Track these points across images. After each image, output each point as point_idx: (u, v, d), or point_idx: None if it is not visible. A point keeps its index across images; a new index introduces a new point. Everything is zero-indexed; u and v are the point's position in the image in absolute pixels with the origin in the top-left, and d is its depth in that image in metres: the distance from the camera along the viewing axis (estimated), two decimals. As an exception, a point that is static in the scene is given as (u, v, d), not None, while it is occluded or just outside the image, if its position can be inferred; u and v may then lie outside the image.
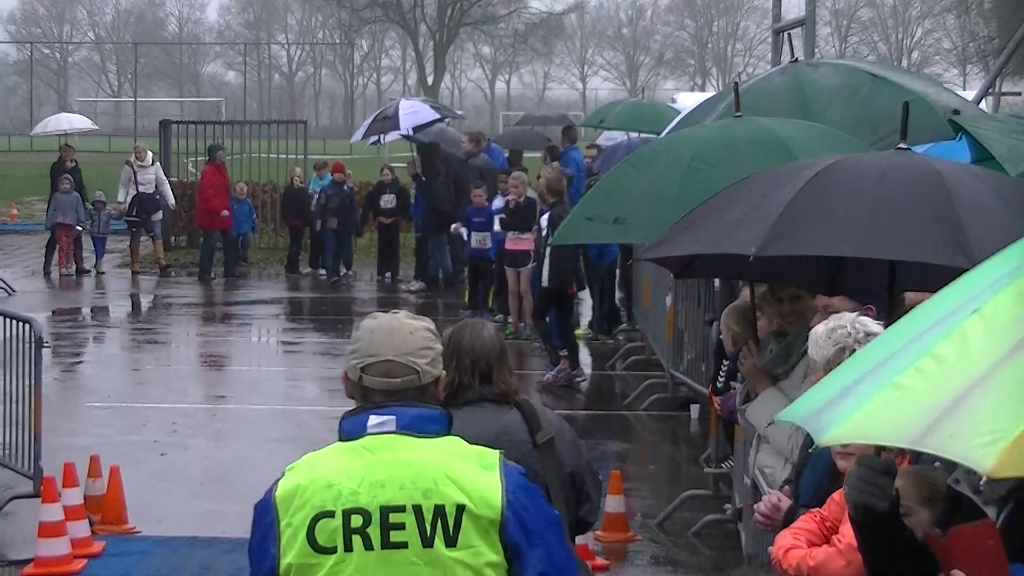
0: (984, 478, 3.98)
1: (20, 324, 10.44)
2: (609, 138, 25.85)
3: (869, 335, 5.20)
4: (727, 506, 9.94)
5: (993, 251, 4.89)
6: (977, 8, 45.94)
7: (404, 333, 3.65)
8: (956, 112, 9.00)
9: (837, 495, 5.08)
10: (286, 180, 26.47)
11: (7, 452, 10.47)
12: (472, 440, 4.84)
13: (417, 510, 3.43)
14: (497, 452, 3.59)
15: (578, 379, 15.31)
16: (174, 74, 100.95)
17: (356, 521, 3.41)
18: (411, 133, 23.69)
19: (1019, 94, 32.51)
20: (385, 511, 3.43)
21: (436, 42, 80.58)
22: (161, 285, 23.73)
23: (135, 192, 24.49)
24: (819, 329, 5.41)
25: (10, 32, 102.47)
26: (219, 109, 70.29)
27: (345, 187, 23.78)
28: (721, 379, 8.87)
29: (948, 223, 4.84)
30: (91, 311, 21.28)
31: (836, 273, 6.19)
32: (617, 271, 18.21)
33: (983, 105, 15.33)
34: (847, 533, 4.86)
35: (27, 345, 10.27)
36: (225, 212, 23.87)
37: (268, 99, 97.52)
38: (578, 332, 17.80)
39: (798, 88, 9.74)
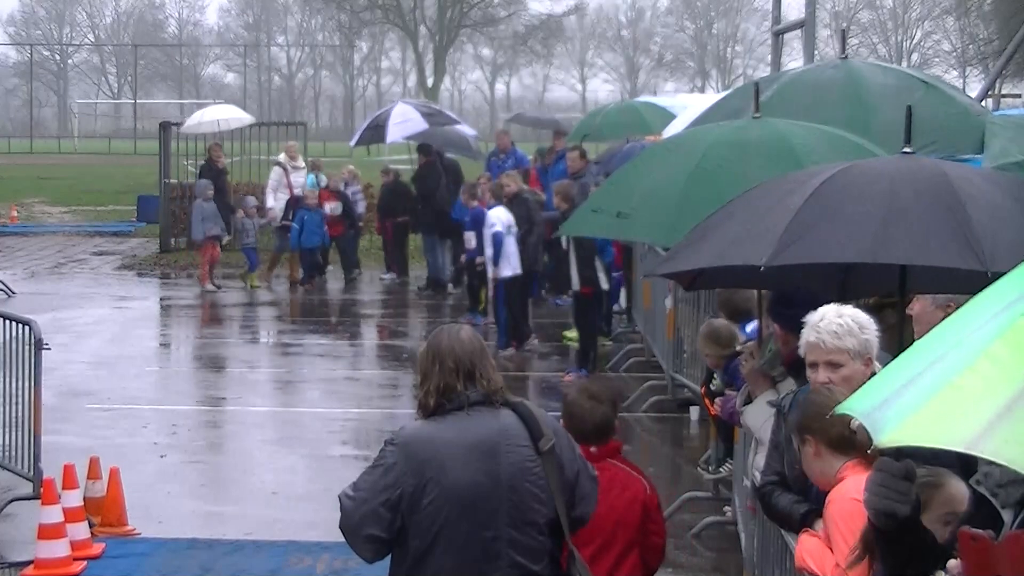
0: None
1: (20, 326, 10.43)
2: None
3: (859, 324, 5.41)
4: (727, 508, 9.94)
5: (1006, 253, 4.90)
6: (977, 10, 45.96)
7: None
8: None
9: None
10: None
11: (7, 454, 10.47)
12: (472, 444, 4.85)
13: None
14: None
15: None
16: (174, 76, 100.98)
17: None
18: (401, 140, 23.59)
19: (1019, 96, 32.54)
20: None
21: (436, 44, 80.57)
22: (167, 287, 23.74)
23: (288, 195, 23.24)
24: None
25: (10, 34, 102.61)
26: (219, 111, 70.22)
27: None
28: (715, 383, 8.89)
29: (958, 225, 4.82)
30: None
31: (845, 278, 6.19)
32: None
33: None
34: (839, 545, 4.91)
35: (27, 347, 10.27)
36: None
37: (268, 101, 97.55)
38: (570, 335, 17.80)
39: (854, 84, 9.64)
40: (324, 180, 24.17)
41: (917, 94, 9.30)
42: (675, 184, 7.90)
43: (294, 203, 23.27)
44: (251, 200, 23.69)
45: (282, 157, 24.14)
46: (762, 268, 5.13)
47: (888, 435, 2.87)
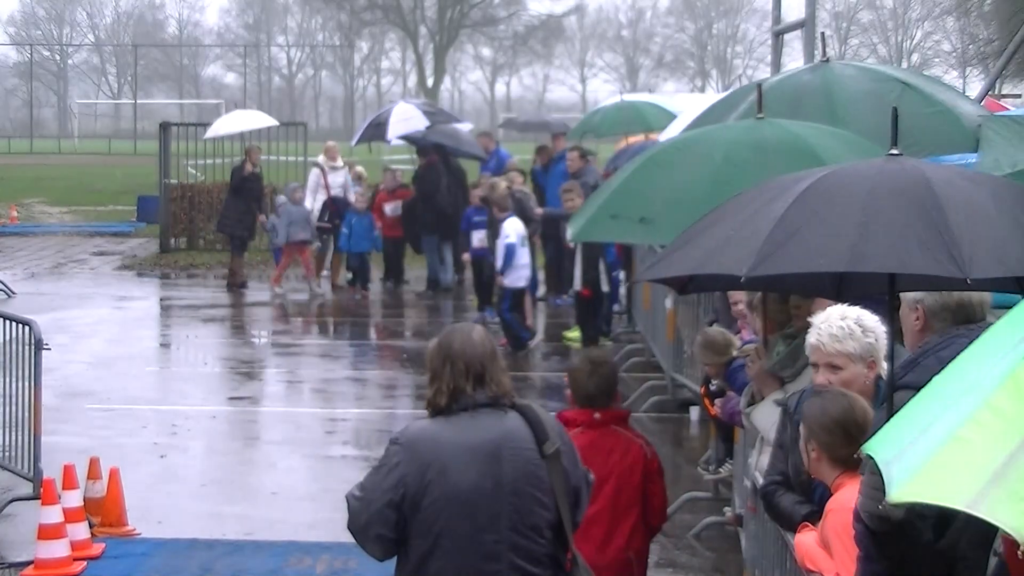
0: None
1: (20, 326, 10.43)
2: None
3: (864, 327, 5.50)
4: (727, 508, 9.93)
5: (986, 259, 4.89)
6: (977, 10, 45.93)
7: None
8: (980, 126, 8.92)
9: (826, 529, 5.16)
10: (285, 182, 26.42)
11: (7, 454, 10.47)
12: (475, 447, 4.84)
13: None
14: None
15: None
16: (174, 76, 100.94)
17: None
18: (399, 140, 23.58)
19: (1019, 96, 32.50)
20: None
21: (436, 44, 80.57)
22: (167, 287, 23.73)
23: (325, 196, 22.98)
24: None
25: (10, 34, 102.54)
26: (219, 111, 70.22)
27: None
28: (715, 384, 8.88)
29: (937, 230, 4.81)
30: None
31: (841, 279, 6.18)
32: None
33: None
34: (840, 556, 4.91)
35: (27, 347, 10.27)
36: None
37: (268, 101, 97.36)
38: (570, 335, 17.79)
39: (826, 90, 9.54)
40: (361, 182, 23.98)
41: (892, 97, 9.20)
42: (699, 186, 7.81)
43: (331, 204, 23.05)
44: (283, 199, 23.31)
45: (320, 158, 23.97)
46: (742, 279, 5.12)
47: (896, 492, 2.89)
